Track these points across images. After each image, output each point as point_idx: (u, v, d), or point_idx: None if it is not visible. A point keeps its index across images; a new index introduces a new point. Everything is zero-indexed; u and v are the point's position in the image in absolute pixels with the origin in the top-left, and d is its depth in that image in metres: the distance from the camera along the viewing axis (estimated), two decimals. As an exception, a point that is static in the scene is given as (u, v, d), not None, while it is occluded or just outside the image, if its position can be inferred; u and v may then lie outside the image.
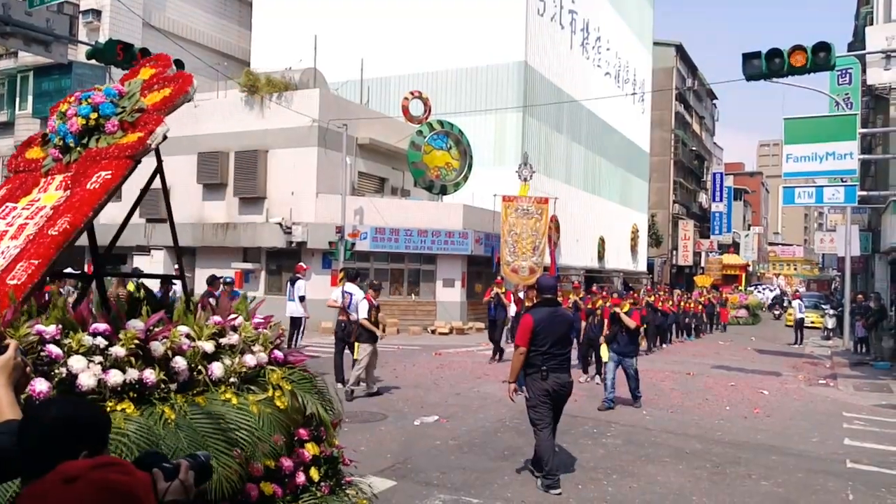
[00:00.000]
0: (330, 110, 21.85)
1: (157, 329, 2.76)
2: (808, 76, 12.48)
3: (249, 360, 2.94)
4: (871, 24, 19.65)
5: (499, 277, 15.70)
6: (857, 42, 27.50)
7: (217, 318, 3.01)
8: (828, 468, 7.41)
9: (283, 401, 2.89)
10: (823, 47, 11.67)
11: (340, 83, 26.41)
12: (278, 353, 3.15)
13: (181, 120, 24.03)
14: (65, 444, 1.59)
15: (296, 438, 2.98)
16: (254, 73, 23.29)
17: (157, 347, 2.68)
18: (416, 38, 29.02)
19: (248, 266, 22.07)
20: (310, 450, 2.98)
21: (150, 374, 2.58)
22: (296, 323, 15.09)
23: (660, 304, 19.54)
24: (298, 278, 15.50)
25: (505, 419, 8.91)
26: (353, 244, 20.88)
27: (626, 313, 10.26)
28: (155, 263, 23.25)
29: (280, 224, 21.28)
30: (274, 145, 22.18)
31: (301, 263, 17.07)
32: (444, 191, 23.22)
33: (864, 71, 22.75)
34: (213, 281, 11.43)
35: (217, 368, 2.81)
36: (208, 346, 2.85)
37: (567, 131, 32.80)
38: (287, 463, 2.82)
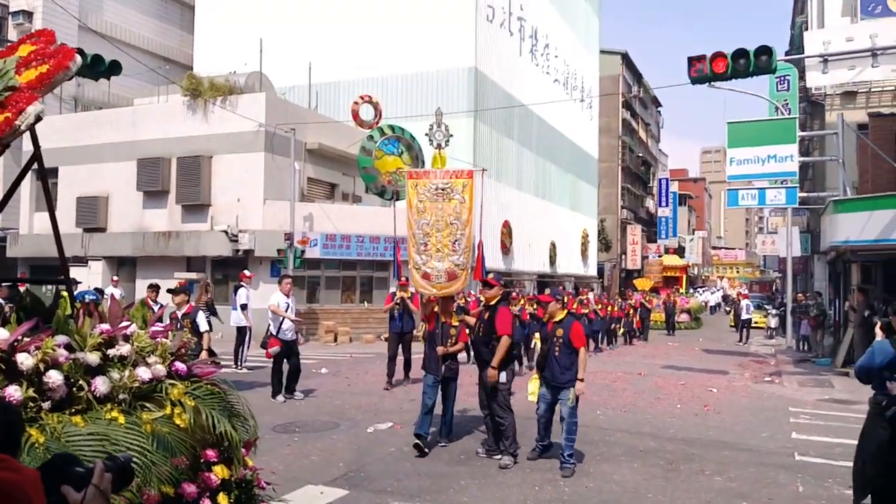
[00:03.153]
0: (277, 115, 21.39)
1: (26, 339, 2.42)
2: (749, 82, 12.73)
3: (143, 373, 2.61)
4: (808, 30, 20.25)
5: (403, 278, 12.54)
6: (794, 51, 28.36)
7: (105, 327, 2.66)
8: (778, 461, 7.52)
9: (183, 419, 2.57)
10: (765, 51, 11.89)
11: (287, 88, 25.96)
12: (180, 366, 2.80)
13: (119, 125, 23.46)
14: None
15: (202, 461, 2.65)
16: (196, 76, 22.64)
17: (25, 360, 2.35)
18: (365, 42, 28.75)
19: (193, 276, 21.37)
20: (218, 473, 2.65)
21: (15, 391, 2.26)
22: (241, 333, 14.60)
23: (574, 306, 17.29)
24: (242, 286, 15.07)
25: (461, 423, 8.74)
26: (303, 251, 20.47)
27: (558, 323, 7.21)
28: (93, 275, 22.42)
29: (226, 232, 20.68)
30: (218, 151, 21.57)
31: (245, 271, 16.59)
32: (396, 196, 22.97)
33: (801, 78, 23.43)
34: (150, 289, 10.92)
35: (102, 383, 2.48)
36: (92, 358, 2.52)
37: (518, 137, 32.93)
38: (190, 489, 2.50)
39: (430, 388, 7.78)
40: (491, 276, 7.87)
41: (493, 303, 7.44)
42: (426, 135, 8.85)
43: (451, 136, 8.88)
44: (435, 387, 7.76)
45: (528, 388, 7.57)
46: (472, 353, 9.24)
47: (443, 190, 7.97)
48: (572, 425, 6.94)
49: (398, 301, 12.67)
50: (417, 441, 7.43)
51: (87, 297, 6.01)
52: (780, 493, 6.34)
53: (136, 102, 24.68)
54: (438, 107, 9.50)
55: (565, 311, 7.46)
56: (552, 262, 37.16)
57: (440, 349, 7.69)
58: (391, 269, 22.39)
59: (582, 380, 6.94)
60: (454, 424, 8.29)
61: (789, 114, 21.39)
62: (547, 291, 8.60)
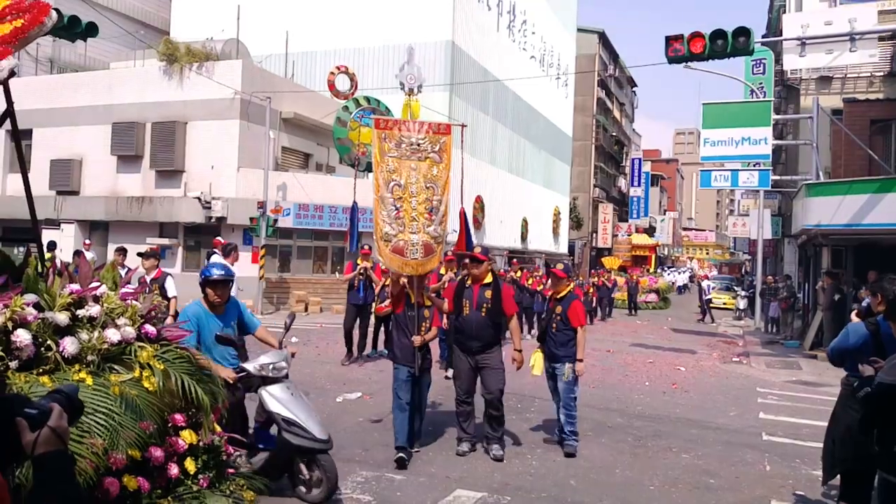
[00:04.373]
0: (253, 82, 21.08)
1: (-5, 298, 2.32)
2: (725, 64, 12.78)
3: (112, 335, 2.50)
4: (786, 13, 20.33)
5: (366, 247, 11.78)
6: (771, 34, 28.49)
7: (75, 287, 2.53)
8: (745, 441, 7.63)
9: (152, 382, 2.46)
10: (743, 32, 11.92)
11: (264, 56, 25.50)
12: (149, 328, 2.71)
13: (95, 88, 22.98)
14: None
15: (170, 425, 2.57)
16: (173, 41, 22.26)
17: (-7, 318, 2.24)
18: (343, 12, 28.29)
19: (165, 241, 21.14)
20: (186, 438, 2.57)
21: (-18, 349, 2.15)
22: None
23: (527, 281, 17.22)
24: (215, 253, 14.85)
25: (430, 396, 8.74)
26: (276, 220, 20.32)
27: (559, 300, 6.99)
28: (65, 238, 22.02)
29: (199, 198, 20.48)
30: (193, 117, 21.31)
31: (218, 238, 16.38)
32: (370, 168, 22.74)
33: (777, 62, 23.59)
34: (118, 252, 10.68)
35: (70, 344, 2.37)
36: (61, 318, 2.40)
37: (493, 113, 32.77)
38: (157, 453, 2.42)
39: (403, 385, 6.41)
40: (478, 249, 6.77)
41: (489, 280, 6.62)
42: (396, 76, 7.29)
43: (425, 80, 7.35)
44: (409, 382, 6.42)
45: (530, 362, 7.01)
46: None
47: (416, 146, 6.56)
48: (569, 401, 6.83)
49: (361, 271, 11.70)
50: (401, 455, 6.13)
51: (214, 271, 5.00)
52: (747, 472, 6.43)
53: (112, 66, 24.32)
54: (410, 45, 7.78)
55: (568, 289, 7.13)
56: (523, 238, 37.27)
57: (417, 339, 6.38)
58: (363, 240, 22.12)
59: (581, 360, 6.77)
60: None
61: (764, 97, 21.54)
62: (559, 266, 7.39)
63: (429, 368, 6.68)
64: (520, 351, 6.52)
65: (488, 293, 6.55)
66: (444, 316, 7.71)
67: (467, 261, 6.85)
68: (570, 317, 6.83)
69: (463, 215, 7.03)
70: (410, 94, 7.08)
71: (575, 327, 6.82)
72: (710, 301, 27.86)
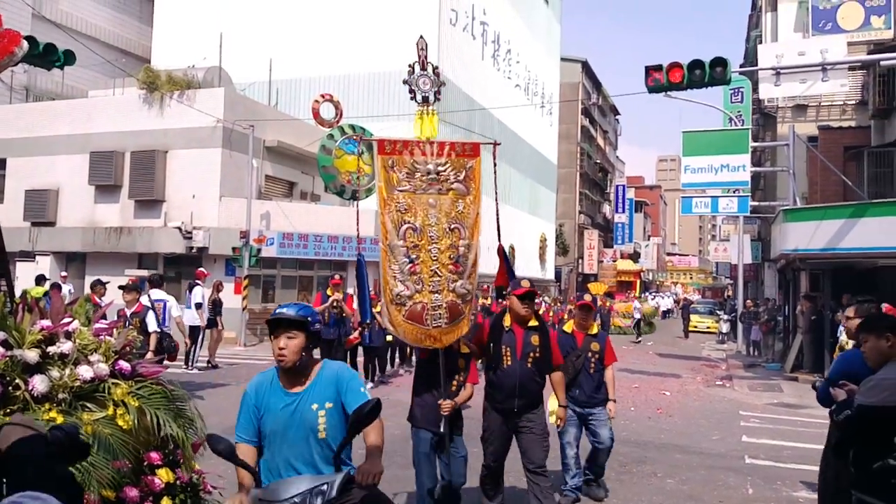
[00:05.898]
0: (236, 110, 21.06)
1: (-42, 336, 2.29)
2: (704, 93, 13.00)
3: (85, 372, 2.47)
4: (762, 44, 20.79)
5: (336, 276, 10.73)
6: (748, 63, 29.09)
7: (45, 323, 2.52)
8: (728, 464, 7.67)
9: (126, 420, 2.45)
10: (720, 62, 12.13)
11: (247, 84, 25.58)
12: (124, 364, 2.67)
13: (72, 117, 22.87)
14: None
15: (145, 464, 2.53)
16: (154, 69, 22.21)
17: (-43, 358, 2.21)
18: (327, 40, 28.54)
19: (144, 273, 20.84)
20: (163, 477, 2.53)
21: (-54, 391, 2.14)
22: (194, 332, 14.29)
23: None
24: (197, 284, 14.78)
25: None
26: (259, 250, 20.18)
27: (593, 336, 6.17)
28: (41, 270, 21.74)
29: (180, 228, 20.24)
30: (174, 146, 21.15)
31: (201, 269, 16.29)
32: (355, 196, 22.83)
33: (754, 90, 24.08)
34: (95, 286, 10.62)
35: (40, 382, 2.35)
36: (30, 356, 2.38)
37: (479, 141, 33.03)
38: (132, 493, 2.39)
39: (425, 456, 4.90)
40: (525, 283, 5.17)
41: (534, 323, 5.10)
42: (405, 82, 5.13)
43: (443, 83, 5.33)
44: (433, 452, 4.95)
45: (548, 408, 5.67)
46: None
47: (437, 175, 4.90)
48: (611, 446, 6.38)
49: (334, 303, 10.62)
50: None
51: (281, 308, 2.99)
52: (730, 496, 6.47)
53: (90, 94, 24.12)
54: (421, 35, 5.57)
55: (595, 325, 6.37)
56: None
57: (446, 405, 4.78)
58: (348, 269, 22.18)
59: (615, 400, 6.22)
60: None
61: (742, 125, 21.91)
62: (588, 297, 6.46)
63: (461, 433, 5.14)
64: (565, 407, 5.47)
65: (535, 339, 5.03)
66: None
67: (519, 299, 5.05)
68: (607, 354, 6.22)
69: (501, 251, 5.69)
70: (425, 103, 5.12)
71: (608, 365, 6.21)
72: (639, 321, 29.06)
